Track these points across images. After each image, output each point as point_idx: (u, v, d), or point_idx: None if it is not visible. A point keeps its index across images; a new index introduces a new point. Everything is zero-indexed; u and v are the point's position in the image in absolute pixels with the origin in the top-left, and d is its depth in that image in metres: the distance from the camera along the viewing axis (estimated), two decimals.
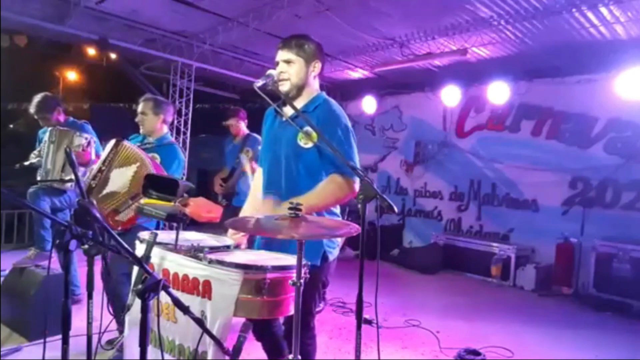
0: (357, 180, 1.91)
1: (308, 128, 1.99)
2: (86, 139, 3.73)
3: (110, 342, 2.93)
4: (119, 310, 3.11)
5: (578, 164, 5.92)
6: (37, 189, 3.81)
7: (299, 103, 2.08)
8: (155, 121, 3.23)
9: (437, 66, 6.76)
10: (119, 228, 2.88)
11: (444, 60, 6.45)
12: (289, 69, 2.08)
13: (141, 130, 3.27)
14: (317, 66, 2.13)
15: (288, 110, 2.13)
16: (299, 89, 2.10)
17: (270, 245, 2.15)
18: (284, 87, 2.07)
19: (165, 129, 3.33)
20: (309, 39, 2.13)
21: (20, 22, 5.70)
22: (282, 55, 2.11)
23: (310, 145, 2.02)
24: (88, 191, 2.73)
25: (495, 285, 5.97)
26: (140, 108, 3.23)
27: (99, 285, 1.93)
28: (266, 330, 2.11)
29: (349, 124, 2.10)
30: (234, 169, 4.63)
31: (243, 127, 4.75)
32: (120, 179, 2.90)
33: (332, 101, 2.13)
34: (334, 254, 2.12)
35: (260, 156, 2.36)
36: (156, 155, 3.13)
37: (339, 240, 2.17)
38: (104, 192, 2.89)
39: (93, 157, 3.70)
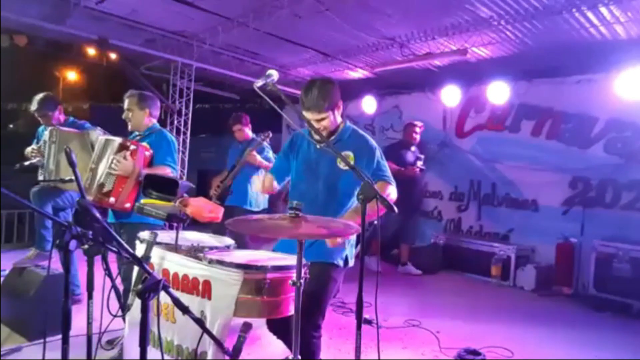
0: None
1: (347, 152, 2.25)
2: (100, 130, 3.74)
3: (110, 342, 2.93)
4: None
5: (578, 164, 5.92)
6: (39, 188, 3.82)
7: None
8: (142, 116, 3.21)
9: (437, 66, 6.75)
10: (115, 204, 2.87)
11: (444, 60, 6.44)
12: (322, 123, 2.25)
13: (129, 127, 3.26)
14: (341, 106, 2.33)
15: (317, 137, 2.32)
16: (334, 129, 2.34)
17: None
18: (324, 133, 2.25)
19: (153, 122, 3.30)
20: (327, 87, 2.27)
21: (20, 22, 5.70)
22: (313, 116, 2.22)
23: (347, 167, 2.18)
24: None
25: (495, 285, 5.97)
26: (125, 104, 3.22)
27: (99, 285, 1.93)
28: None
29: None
30: (233, 167, 4.65)
31: (247, 131, 4.82)
32: (103, 165, 2.97)
33: (356, 128, 2.44)
34: (352, 261, 2.28)
35: (292, 177, 2.47)
36: (149, 148, 3.10)
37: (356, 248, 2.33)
38: (95, 184, 2.94)
39: None
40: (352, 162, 2.17)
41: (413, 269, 6.41)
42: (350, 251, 2.30)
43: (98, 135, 3.70)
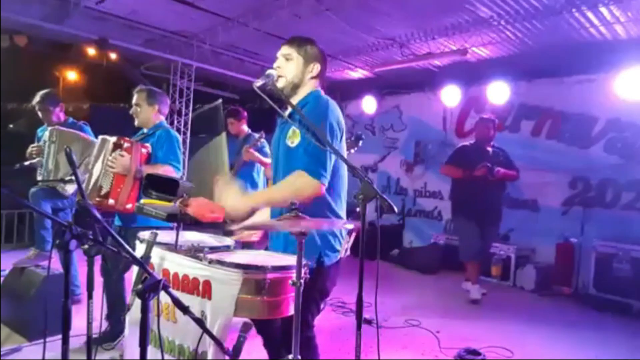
0: (325, 183, 1.91)
1: (293, 128, 2.00)
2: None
3: (106, 342, 2.92)
4: (114, 307, 3.11)
5: (578, 164, 5.92)
6: (38, 189, 3.82)
7: (293, 101, 2.06)
8: (150, 112, 3.18)
9: (437, 66, 6.76)
10: (116, 205, 2.84)
11: (444, 60, 6.45)
12: (286, 64, 2.09)
13: (136, 122, 3.23)
14: (315, 67, 2.12)
15: (285, 112, 2.16)
16: (295, 87, 2.09)
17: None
18: (280, 83, 2.07)
19: (161, 119, 3.27)
20: (314, 43, 2.15)
21: (20, 22, 5.71)
22: (282, 50, 2.12)
23: (296, 143, 2.00)
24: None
25: (495, 285, 5.97)
26: (134, 99, 3.20)
27: (99, 285, 1.93)
28: (268, 326, 2.12)
29: (336, 121, 2.00)
30: (232, 165, 4.64)
31: (244, 127, 4.79)
32: (98, 166, 2.94)
33: (324, 98, 2.06)
34: (331, 258, 2.03)
35: None
36: (148, 146, 3.08)
37: (340, 247, 2.09)
38: (92, 187, 2.89)
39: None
40: (297, 141, 1.98)
41: (476, 291, 5.13)
42: (328, 249, 2.01)
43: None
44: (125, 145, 2.89)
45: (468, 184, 5.07)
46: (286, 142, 2.04)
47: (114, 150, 2.88)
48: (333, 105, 2.03)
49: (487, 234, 5.18)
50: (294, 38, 2.14)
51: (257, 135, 4.53)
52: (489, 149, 5.16)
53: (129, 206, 2.88)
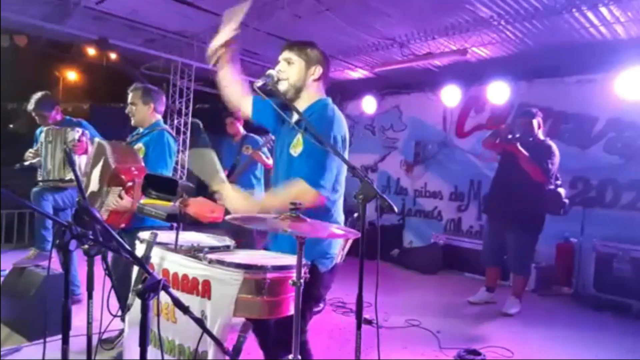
0: (324, 194, 1.92)
1: (298, 135, 2.00)
2: (78, 131, 3.71)
3: (105, 342, 2.91)
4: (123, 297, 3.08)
5: (578, 164, 5.92)
6: (40, 188, 3.82)
7: (299, 107, 2.06)
8: (146, 111, 3.12)
9: (437, 66, 6.76)
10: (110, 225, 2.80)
11: (444, 60, 6.44)
12: (288, 68, 2.09)
13: (132, 122, 3.18)
14: (317, 71, 2.11)
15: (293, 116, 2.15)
16: (297, 90, 2.09)
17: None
18: (282, 87, 2.07)
19: (157, 117, 3.21)
20: (314, 46, 2.15)
21: (20, 22, 5.70)
22: (284, 54, 2.12)
23: (299, 152, 2.01)
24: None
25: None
26: (129, 98, 3.15)
27: (99, 285, 1.93)
28: (262, 327, 2.13)
29: (341, 134, 2.01)
30: (234, 166, 4.65)
31: (240, 126, 4.80)
32: (95, 176, 2.86)
33: (331, 109, 2.06)
34: (326, 265, 2.03)
35: None
36: (141, 145, 3.04)
37: (334, 254, 2.07)
38: (88, 192, 2.82)
39: (89, 146, 3.60)
40: (300, 149, 1.99)
41: (515, 305, 4.73)
42: (321, 256, 2.02)
43: (73, 136, 3.67)
44: (128, 184, 2.70)
45: (497, 179, 4.91)
46: (289, 150, 2.05)
47: (113, 181, 2.70)
48: (339, 117, 2.05)
49: (510, 240, 4.67)
50: (294, 42, 2.15)
51: (262, 140, 4.54)
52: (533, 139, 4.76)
53: (122, 225, 2.81)
